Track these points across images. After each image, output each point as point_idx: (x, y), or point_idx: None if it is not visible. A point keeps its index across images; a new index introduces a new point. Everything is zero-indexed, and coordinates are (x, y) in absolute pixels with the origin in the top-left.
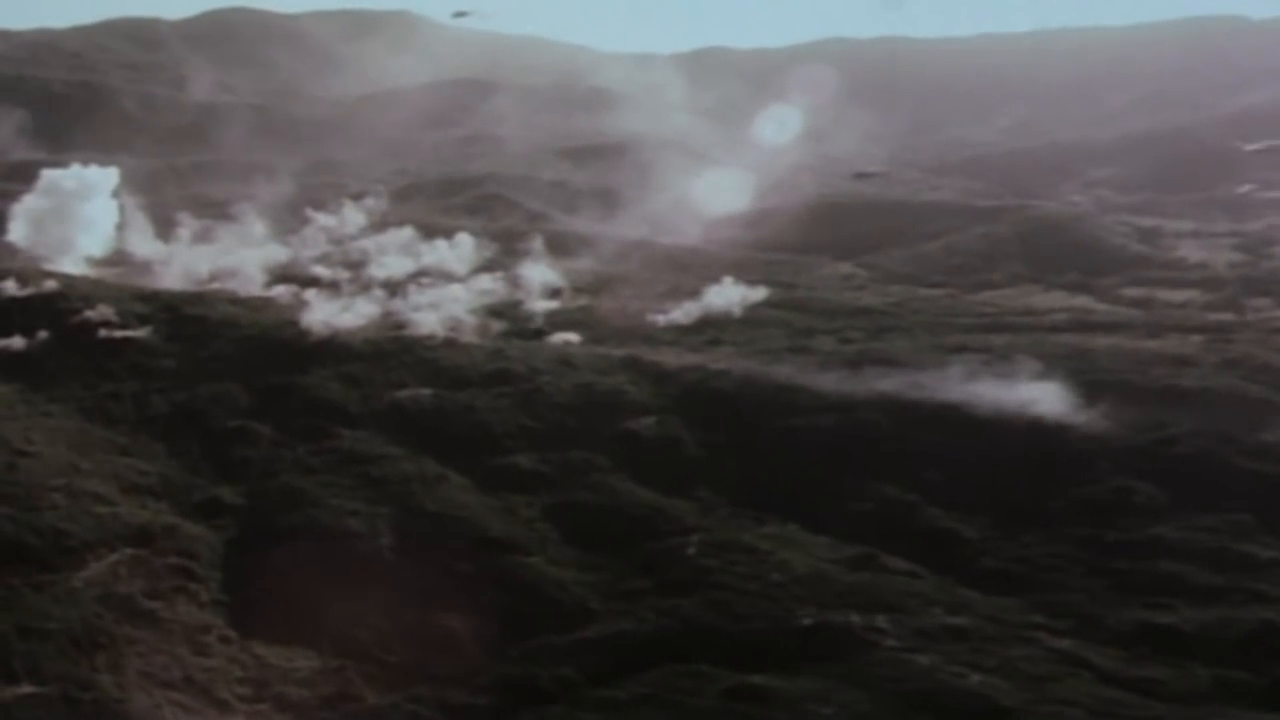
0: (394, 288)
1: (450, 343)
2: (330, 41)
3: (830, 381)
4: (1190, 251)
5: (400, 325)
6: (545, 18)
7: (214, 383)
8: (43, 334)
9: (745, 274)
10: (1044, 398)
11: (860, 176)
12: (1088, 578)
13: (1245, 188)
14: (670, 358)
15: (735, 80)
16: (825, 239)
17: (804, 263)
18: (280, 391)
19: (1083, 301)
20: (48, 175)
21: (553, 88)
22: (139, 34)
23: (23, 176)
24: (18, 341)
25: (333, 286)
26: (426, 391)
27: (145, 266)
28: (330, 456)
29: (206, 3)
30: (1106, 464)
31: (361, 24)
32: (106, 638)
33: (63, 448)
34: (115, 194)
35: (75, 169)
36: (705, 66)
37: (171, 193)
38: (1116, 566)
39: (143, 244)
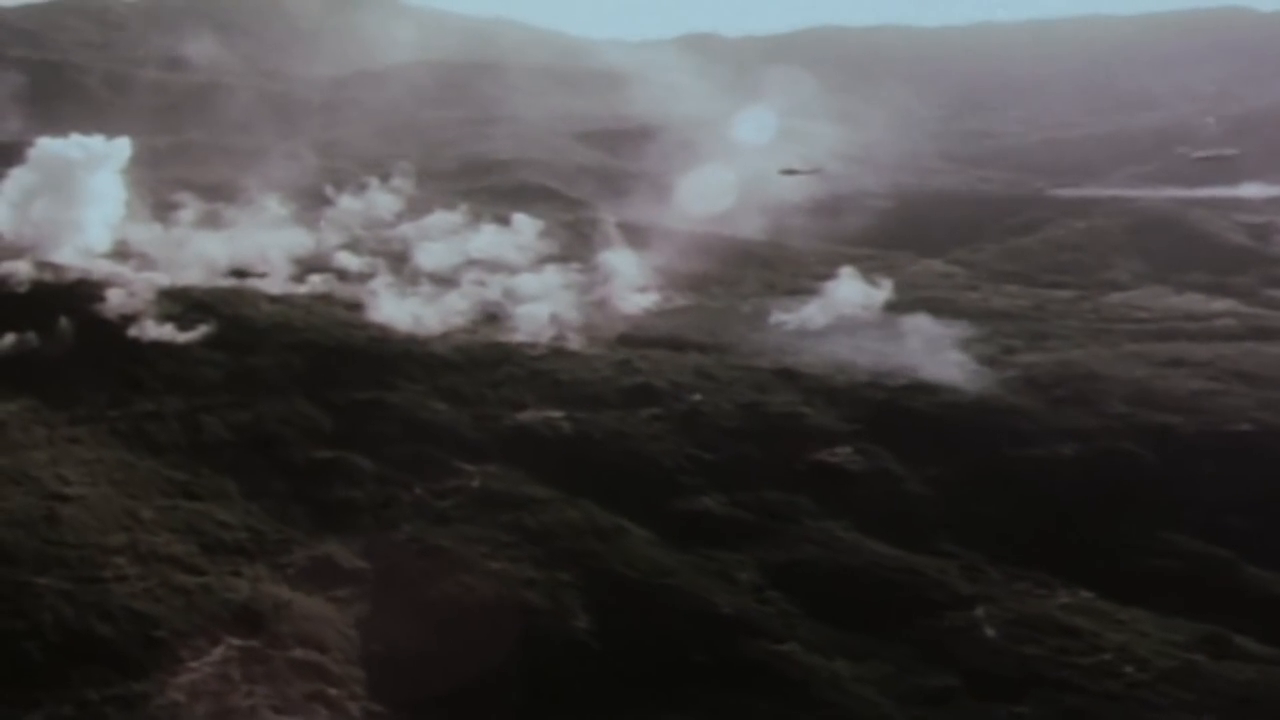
0: (447, 280)
1: (559, 351)
2: (308, 18)
3: (1040, 400)
4: None
5: (475, 328)
6: (516, 4)
7: (279, 400)
8: (53, 335)
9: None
10: None
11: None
12: None
13: None
14: (831, 370)
15: (735, 66)
16: (903, 233)
17: (890, 259)
18: (368, 411)
19: (1231, 305)
20: (40, 148)
21: (552, 70)
22: (96, 11)
23: None
24: (21, 342)
25: (372, 277)
26: (556, 413)
27: (143, 256)
28: (460, 499)
29: None
30: None
31: (338, 1)
32: None
33: (108, 488)
34: (124, 171)
35: (75, 138)
36: (698, 52)
37: (155, 175)
38: None
39: (139, 230)
